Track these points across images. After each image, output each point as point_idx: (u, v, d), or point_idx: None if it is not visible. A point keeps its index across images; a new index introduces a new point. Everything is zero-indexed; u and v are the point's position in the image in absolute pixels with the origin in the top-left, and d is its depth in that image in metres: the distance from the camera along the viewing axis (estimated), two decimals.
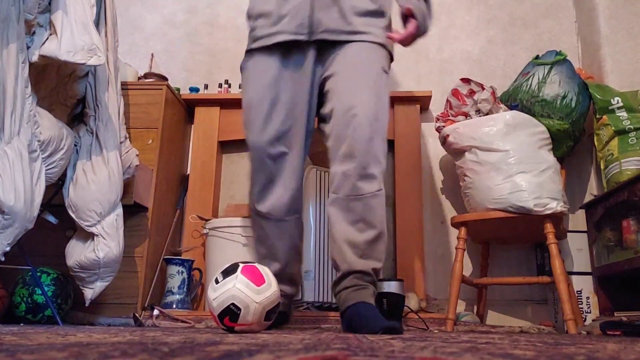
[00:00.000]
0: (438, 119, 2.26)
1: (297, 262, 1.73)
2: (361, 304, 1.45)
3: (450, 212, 2.43)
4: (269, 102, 1.61)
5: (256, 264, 1.28)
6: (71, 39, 1.69)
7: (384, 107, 1.60)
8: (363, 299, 1.46)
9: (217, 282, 1.21)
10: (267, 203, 1.62)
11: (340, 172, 1.53)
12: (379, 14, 1.68)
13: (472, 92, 2.21)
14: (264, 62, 1.64)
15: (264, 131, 1.60)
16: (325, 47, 1.63)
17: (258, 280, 1.19)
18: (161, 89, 2.31)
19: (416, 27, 1.64)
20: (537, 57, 2.21)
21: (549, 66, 2.12)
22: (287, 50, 1.62)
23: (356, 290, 1.49)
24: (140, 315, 1.97)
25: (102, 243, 1.81)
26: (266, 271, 1.25)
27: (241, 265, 1.23)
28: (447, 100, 2.27)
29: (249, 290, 1.16)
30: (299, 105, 1.62)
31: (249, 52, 1.70)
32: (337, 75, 1.61)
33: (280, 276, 1.54)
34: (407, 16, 1.67)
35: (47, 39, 1.69)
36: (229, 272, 1.21)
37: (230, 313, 1.14)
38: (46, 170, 1.68)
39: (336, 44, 1.62)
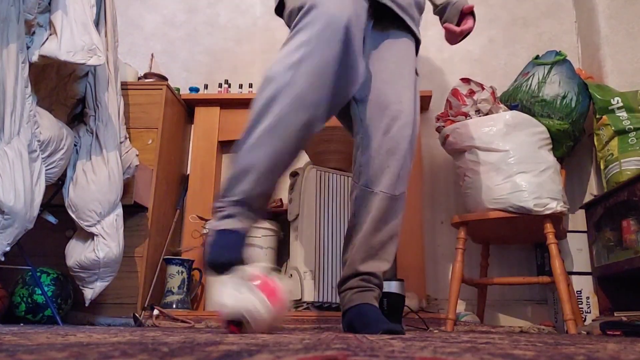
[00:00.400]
0: (438, 119, 2.26)
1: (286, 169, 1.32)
2: (364, 305, 1.42)
3: (450, 212, 2.43)
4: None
5: (275, 279, 1.13)
6: (71, 39, 1.69)
7: (418, 112, 1.53)
8: (367, 300, 1.43)
9: (231, 285, 1.16)
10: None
11: (379, 164, 1.43)
12: (421, 11, 1.63)
13: (472, 92, 2.21)
14: None
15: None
16: (380, 21, 1.50)
17: (275, 299, 1.15)
18: (161, 89, 2.32)
19: (472, 26, 1.63)
20: (537, 57, 2.21)
21: (549, 66, 2.12)
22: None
23: (361, 292, 1.45)
24: (140, 315, 1.97)
25: (102, 243, 1.81)
26: (283, 289, 1.15)
27: (259, 278, 1.13)
28: (447, 100, 2.27)
29: (264, 308, 1.14)
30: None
31: None
32: (384, 60, 1.49)
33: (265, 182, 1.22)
34: (464, 13, 1.66)
35: (47, 39, 1.69)
36: (245, 278, 1.15)
37: (239, 323, 1.14)
38: (46, 170, 1.68)
39: (390, 26, 1.50)
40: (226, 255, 1.17)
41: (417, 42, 1.60)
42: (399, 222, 1.49)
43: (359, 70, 1.32)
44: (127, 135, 2.09)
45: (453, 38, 1.69)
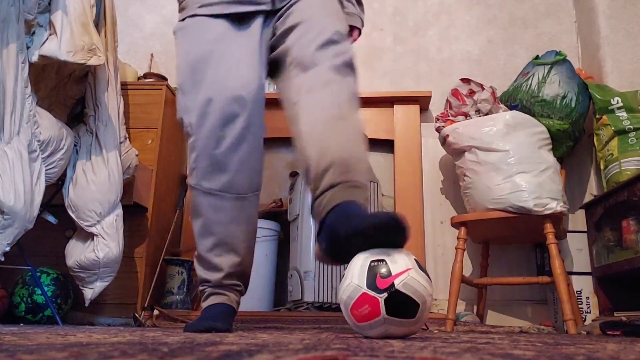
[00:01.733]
0: (438, 119, 2.26)
1: (252, 253, 1.39)
2: (349, 202, 1.09)
3: (450, 212, 2.43)
4: (222, 55, 1.36)
5: None
6: (71, 39, 1.69)
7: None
8: (354, 198, 1.11)
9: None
10: (223, 178, 1.28)
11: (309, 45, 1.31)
12: None
13: (472, 92, 2.21)
14: (206, 22, 1.45)
15: (225, 84, 1.32)
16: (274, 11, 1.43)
17: None
18: (161, 89, 2.31)
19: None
20: (537, 57, 2.21)
21: (549, 66, 2.12)
22: (235, 18, 1.42)
23: (346, 188, 1.13)
24: (140, 316, 1.97)
25: (101, 243, 1.81)
26: None
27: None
28: (447, 100, 2.27)
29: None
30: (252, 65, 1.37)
31: (186, 17, 1.54)
32: (294, 13, 1.40)
33: (237, 270, 1.33)
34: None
35: (46, 39, 1.69)
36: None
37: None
38: (46, 170, 1.68)
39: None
40: (207, 324, 1.21)
41: None
42: (348, 91, 1.29)
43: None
44: (127, 135, 2.08)
45: None
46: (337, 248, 1.06)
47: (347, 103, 1.26)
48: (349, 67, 1.32)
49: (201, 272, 1.35)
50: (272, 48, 1.43)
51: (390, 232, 0.96)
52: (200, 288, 1.36)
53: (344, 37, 1.38)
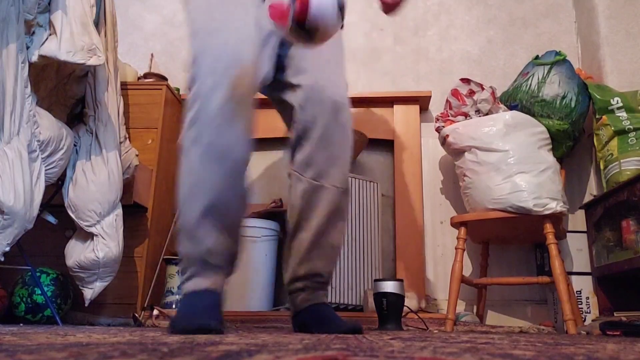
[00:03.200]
0: (438, 119, 2.26)
1: (242, 230, 1.33)
2: (321, 305, 1.36)
3: (450, 212, 2.43)
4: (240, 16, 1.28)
5: None
6: (71, 39, 1.69)
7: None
8: (322, 300, 1.38)
9: None
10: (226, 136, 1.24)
11: (329, 155, 1.35)
12: None
13: (471, 92, 2.21)
14: None
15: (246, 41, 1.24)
16: None
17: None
18: (161, 89, 2.31)
19: None
20: (536, 57, 2.21)
21: (549, 66, 2.12)
22: None
23: (314, 290, 1.37)
24: (139, 316, 1.97)
25: (101, 243, 1.81)
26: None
27: None
28: (447, 101, 2.27)
29: None
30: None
31: None
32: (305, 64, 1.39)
33: (225, 247, 1.23)
34: None
35: (46, 39, 1.69)
36: None
37: None
38: (46, 170, 1.68)
39: None
40: (198, 321, 1.08)
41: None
42: (346, 215, 1.42)
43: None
44: (127, 135, 2.08)
45: (388, 8, 1.55)
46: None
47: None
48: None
49: (184, 247, 1.23)
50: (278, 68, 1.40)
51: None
52: (181, 267, 1.23)
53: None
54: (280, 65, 1.40)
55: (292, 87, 1.39)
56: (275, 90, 1.43)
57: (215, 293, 1.20)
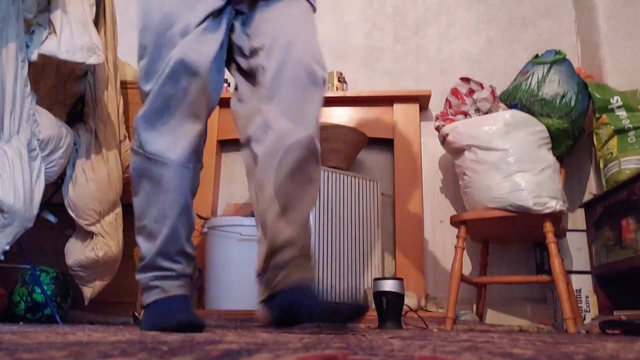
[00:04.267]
0: (437, 118, 2.26)
1: (189, 226, 1.29)
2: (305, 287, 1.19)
3: (449, 211, 2.43)
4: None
5: None
6: (70, 38, 1.69)
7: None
8: (307, 280, 1.21)
9: None
10: (165, 139, 1.23)
11: (288, 117, 1.24)
12: None
13: (471, 91, 2.21)
14: None
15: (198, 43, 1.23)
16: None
17: None
18: None
19: None
20: (536, 57, 2.21)
21: (549, 65, 2.12)
22: None
23: (299, 267, 1.21)
24: (139, 314, 1.97)
25: (101, 242, 1.81)
26: None
27: None
28: (447, 100, 2.27)
29: None
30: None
31: None
32: (272, 12, 1.32)
33: (170, 248, 1.23)
34: None
35: (46, 37, 1.69)
36: None
37: None
38: (45, 169, 1.68)
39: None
40: (175, 317, 1.07)
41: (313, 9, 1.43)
42: (315, 184, 1.28)
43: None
44: (127, 134, 2.08)
45: None
46: (289, 321, 1.17)
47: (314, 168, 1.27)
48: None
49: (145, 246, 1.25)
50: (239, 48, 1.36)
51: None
52: (142, 277, 1.26)
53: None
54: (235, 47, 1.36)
55: (254, 50, 1.32)
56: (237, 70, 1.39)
57: (186, 298, 1.22)
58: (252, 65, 1.34)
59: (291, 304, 1.14)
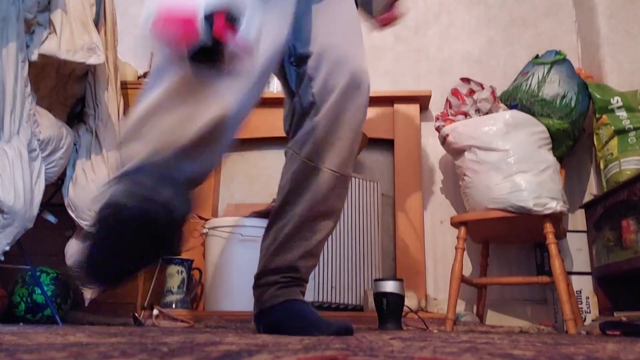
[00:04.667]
0: (438, 119, 2.26)
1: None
2: (297, 302, 1.17)
3: (449, 211, 2.43)
4: None
5: None
6: (71, 38, 1.69)
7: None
8: (297, 296, 1.19)
9: None
10: None
11: (330, 134, 1.18)
12: None
13: (471, 92, 2.21)
14: None
15: None
16: None
17: None
18: None
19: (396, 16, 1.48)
20: (536, 57, 2.21)
21: (549, 66, 2.12)
22: None
23: (287, 287, 1.19)
24: (139, 315, 1.97)
25: None
26: None
27: None
28: (447, 100, 2.27)
29: None
30: None
31: None
32: (329, 12, 1.28)
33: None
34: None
35: (46, 37, 1.69)
36: None
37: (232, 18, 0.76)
38: (46, 169, 1.68)
39: None
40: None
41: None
42: (340, 210, 1.24)
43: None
44: None
45: (384, 22, 1.54)
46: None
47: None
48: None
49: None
50: None
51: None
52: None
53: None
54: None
55: (302, 58, 1.22)
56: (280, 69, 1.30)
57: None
58: (298, 70, 1.27)
59: (277, 326, 1.13)
